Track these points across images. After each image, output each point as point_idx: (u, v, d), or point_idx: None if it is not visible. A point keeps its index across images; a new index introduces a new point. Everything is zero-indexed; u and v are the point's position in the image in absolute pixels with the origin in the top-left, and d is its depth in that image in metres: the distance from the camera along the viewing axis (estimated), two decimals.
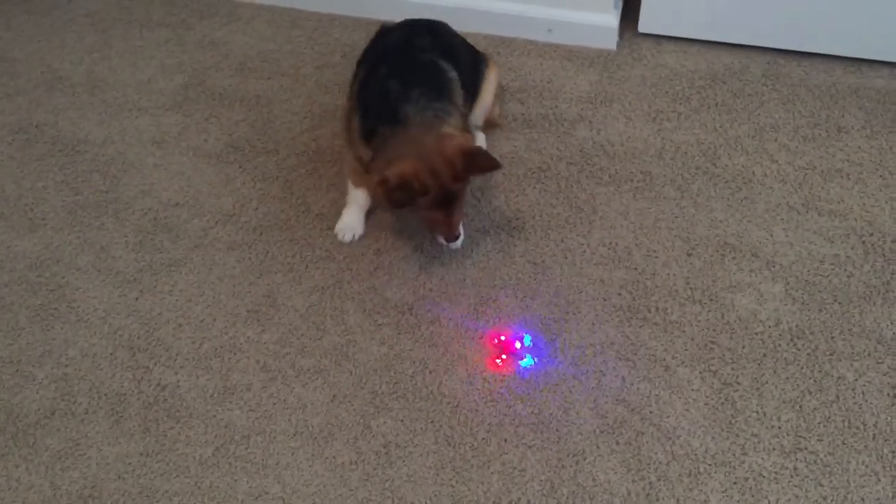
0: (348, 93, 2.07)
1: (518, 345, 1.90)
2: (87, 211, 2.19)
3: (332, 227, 2.11)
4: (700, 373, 1.86)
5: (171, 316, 2.00)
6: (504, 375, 1.88)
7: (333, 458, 1.79)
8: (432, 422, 1.83)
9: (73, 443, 1.83)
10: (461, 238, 2.02)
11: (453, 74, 1.99)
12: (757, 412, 1.80)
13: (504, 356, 1.89)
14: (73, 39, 2.56)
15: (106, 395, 1.89)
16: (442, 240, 2.00)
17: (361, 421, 1.83)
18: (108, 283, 2.06)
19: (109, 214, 2.18)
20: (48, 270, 2.09)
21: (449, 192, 1.86)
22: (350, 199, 2.10)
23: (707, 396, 1.83)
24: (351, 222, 2.10)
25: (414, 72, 1.94)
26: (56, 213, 2.19)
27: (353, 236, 2.09)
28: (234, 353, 1.94)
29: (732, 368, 1.86)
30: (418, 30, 2.07)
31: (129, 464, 1.80)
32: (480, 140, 2.20)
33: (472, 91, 2.09)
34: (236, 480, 1.78)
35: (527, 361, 1.89)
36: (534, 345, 1.90)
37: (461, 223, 1.99)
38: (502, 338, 1.91)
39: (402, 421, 1.83)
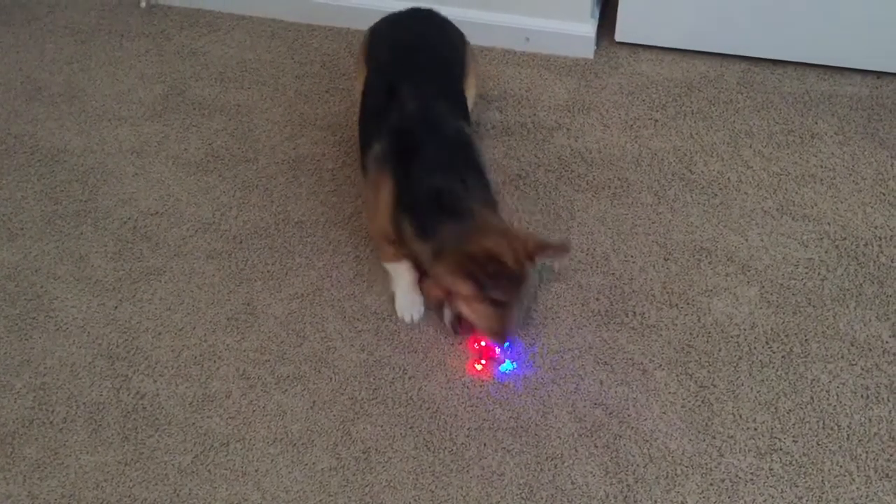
0: (378, 172, 1.89)
1: (497, 350, 1.91)
2: (65, 220, 2.18)
3: (311, 235, 2.12)
4: (677, 376, 1.88)
5: (151, 324, 2.00)
6: (483, 380, 1.89)
7: (313, 464, 1.80)
8: (412, 427, 1.83)
9: (52, 452, 1.83)
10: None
11: (469, 130, 1.96)
12: (733, 414, 1.82)
13: (483, 361, 1.90)
14: (52, 50, 2.56)
15: (84, 403, 1.89)
16: (490, 342, 1.88)
17: (341, 427, 1.84)
18: (86, 291, 2.05)
19: (88, 224, 2.18)
20: (26, 280, 2.08)
21: (517, 275, 1.76)
22: (394, 278, 1.98)
23: (684, 399, 1.84)
24: (408, 300, 1.97)
25: (450, 157, 1.87)
26: (35, 222, 2.18)
27: (420, 314, 1.97)
28: (214, 361, 1.94)
29: (709, 371, 1.88)
30: (427, 76, 1.97)
31: (108, 472, 1.80)
32: None
33: None
34: (216, 488, 1.77)
35: (505, 366, 1.90)
36: (512, 350, 1.91)
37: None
38: (481, 343, 1.92)
39: (381, 427, 1.83)
